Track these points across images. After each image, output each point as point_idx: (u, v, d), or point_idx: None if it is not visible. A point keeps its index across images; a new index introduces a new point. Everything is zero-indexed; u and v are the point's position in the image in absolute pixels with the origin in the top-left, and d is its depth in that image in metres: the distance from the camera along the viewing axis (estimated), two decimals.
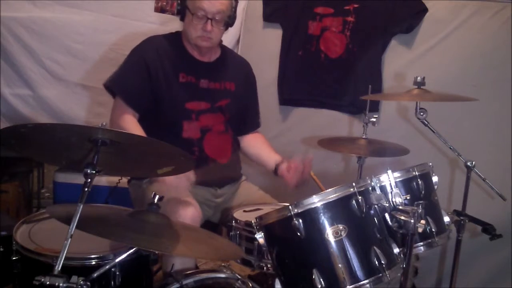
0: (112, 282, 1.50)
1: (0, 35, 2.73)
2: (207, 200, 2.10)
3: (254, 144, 2.26)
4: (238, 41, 3.03)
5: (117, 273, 1.50)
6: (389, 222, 1.43)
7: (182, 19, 2.02)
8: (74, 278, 1.15)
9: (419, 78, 1.86)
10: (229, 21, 2.01)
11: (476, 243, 2.33)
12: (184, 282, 1.59)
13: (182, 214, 1.76)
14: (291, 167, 2.00)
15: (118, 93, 2.01)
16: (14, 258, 1.58)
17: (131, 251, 1.36)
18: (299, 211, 1.31)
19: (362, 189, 1.37)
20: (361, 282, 1.29)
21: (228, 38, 2.85)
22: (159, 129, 2.00)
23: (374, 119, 2.01)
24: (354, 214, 1.34)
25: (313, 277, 1.29)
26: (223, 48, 2.18)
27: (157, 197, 1.35)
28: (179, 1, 2.00)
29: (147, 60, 1.99)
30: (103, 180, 2.76)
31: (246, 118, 2.25)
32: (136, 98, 1.99)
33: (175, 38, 2.10)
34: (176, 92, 2.01)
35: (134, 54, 2.04)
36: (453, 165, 2.43)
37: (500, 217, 2.20)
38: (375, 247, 1.33)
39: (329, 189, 1.34)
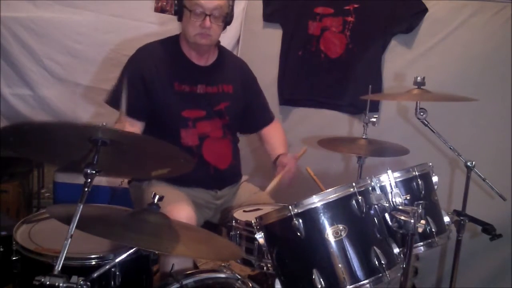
0: (112, 282, 1.50)
1: (0, 35, 2.73)
2: (208, 203, 2.10)
3: (266, 139, 2.30)
4: (238, 41, 3.03)
5: (117, 273, 1.50)
6: (389, 222, 1.43)
7: (180, 19, 2.00)
8: (74, 278, 1.15)
9: (419, 78, 1.86)
10: (227, 19, 2.00)
11: (476, 243, 2.33)
12: (184, 282, 1.59)
13: (176, 216, 1.76)
14: (284, 164, 2.08)
15: (118, 109, 2.02)
16: (14, 258, 1.58)
17: (131, 251, 1.36)
18: (299, 211, 1.31)
19: (362, 189, 1.37)
20: (361, 282, 1.29)
21: (228, 39, 2.85)
22: (157, 137, 1.99)
23: (374, 119, 2.01)
24: (354, 214, 1.34)
25: (313, 277, 1.29)
26: (221, 50, 2.16)
27: (157, 197, 1.35)
28: (176, 2, 1.98)
29: (142, 71, 1.98)
30: (104, 181, 2.76)
31: (253, 116, 2.26)
32: (137, 111, 1.99)
33: (171, 43, 2.08)
34: (171, 100, 2.00)
35: (129, 66, 2.03)
36: (453, 165, 2.43)
37: (500, 217, 2.20)
38: (375, 247, 1.33)
39: (329, 189, 1.34)
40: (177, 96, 2.01)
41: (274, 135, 2.29)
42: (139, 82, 1.98)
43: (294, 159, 2.11)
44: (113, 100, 2.03)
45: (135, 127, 1.99)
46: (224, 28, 2.04)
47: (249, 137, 2.47)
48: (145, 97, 1.99)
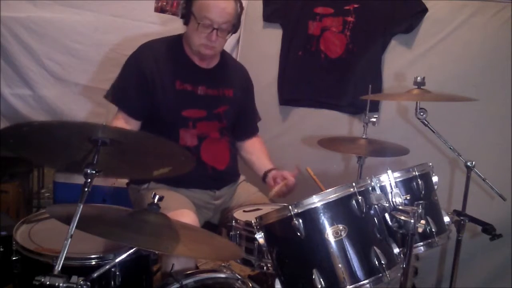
0: (112, 282, 1.50)
1: (0, 35, 2.73)
2: (206, 203, 2.10)
3: (250, 150, 2.27)
4: (238, 41, 3.03)
5: (117, 273, 1.50)
6: (389, 222, 1.44)
7: (186, 23, 1.99)
8: (74, 278, 1.15)
9: (419, 78, 1.86)
10: (233, 30, 1.99)
11: (476, 243, 2.33)
12: (184, 282, 1.59)
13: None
14: (276, 178, 2.06)
15: (118, 105, 2.02)
16: (14, 258, 1.58)
17: (131, 251, 1.36)
18: (299, 211, 1.31)
19: (362, 189, 1.37)
20: (361, 282, 1.29)
21: (228, 39, 2.85)
22: None
23: (374, 119, 2.01)
24: (354, 214, 1.34)
25: (313, 277, 1.29)
26: (223, 54, 2.16)
27: (157, 197, 1.35)
28: (184, 5, 1.96)
29: (144, 68, 1.98)
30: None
31: (244, 124, 2.25)
32: (135, 109, 2.00)
33: (174, 43, 2.07)
34: (172, 100, 2.00)
35: (131, 62, 2.03)
36: (453, 165, 2.43)
37: (500, 217, 2.20)
38: (375, 247, 1.33)
39: (329, 189, 1.34)
40: (178, 95, 2.00)
41: (261, 148, 2.28)
42: (140, 79, 1.98)
43: (293, 174, 2.06)
44: (111, 95, 2.03)
45: (131, 125, 1.99)
46: (229, 36, 2.03)
47: None
48: (144, 94, 1.98)
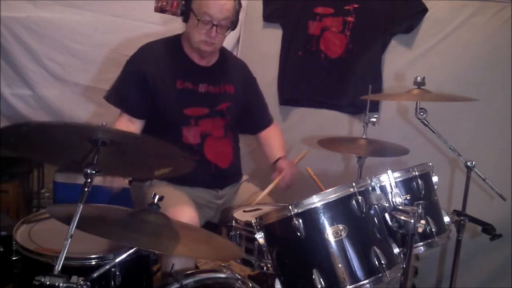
0: (112, 282, 1.50)
1: (0, 35, 2.73)
2: (209, 202, 2.11)
3: (263, 142, 2.31)
4: (238, 41, 3.03)
5: (117, 273, 1.50)
6: (389, 222, 1.44)
7: (185, 20, 2.00)
8: (74, 278, 1.15)
9: (419, 78, 1.86)
10: (232, 26, 2.01)
11: (476, 243, 2.33)
12: (184, 282, 1.59)
13: (179, 218, 1.76)
14: (281, 169, 2.09)
15: (119, 107, 2.03)
16: (14, 258, 1.58)
17: (131, 251, 1.36)
18: (299, 211, 1.31)
19: (362, 189, 1.37)
20: (361, 282, 1.29)
21: (228, 38, 2.83)
22: (158, 135, 1.98)
23: (374, 119, 2.01)
24: (354, 214, 1.34)
25: (313, 277, 1.29)
26: (222, 51, 2.17)
27: (157, 197, 1.35)
28: (183, 2, 1.98)
29: (144, 70, 1.99)
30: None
31: (253, 118, 2.28)
32: (137, 109, 2.02)
33: (173, 43, 2.09)
34: (173, 99, 2.01)
35: (131, 64, 2.04)
36: (453, 165, 2.43)
37: (500, 217, 2.20)
38: (375, 247, 1.33)
39: (329, 189, 1.34)
40: (180, 94, 2.01)
41: (273, 137, 2.30)
42: (140, 80, 1.99)
43: (292, 164, 2.09)
44: (112, 97, 2.04)
45: (134, 125, 2.01)
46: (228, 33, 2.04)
47: (248, 138, 2.47)
48: (146, 95, 1.99)
